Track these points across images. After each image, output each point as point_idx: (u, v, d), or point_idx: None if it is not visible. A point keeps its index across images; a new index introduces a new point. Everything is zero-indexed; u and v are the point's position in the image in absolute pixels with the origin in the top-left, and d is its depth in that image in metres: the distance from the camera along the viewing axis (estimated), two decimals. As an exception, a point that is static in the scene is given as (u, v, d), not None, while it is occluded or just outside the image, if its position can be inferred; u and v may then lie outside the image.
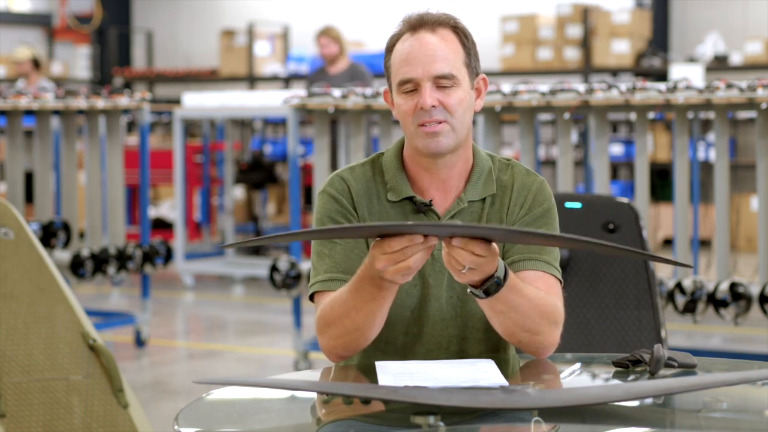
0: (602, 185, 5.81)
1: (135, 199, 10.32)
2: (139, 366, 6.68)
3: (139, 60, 15.44)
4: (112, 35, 14.77)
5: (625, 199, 3.55)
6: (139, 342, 7.00)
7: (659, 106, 5.60)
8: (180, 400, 5.74)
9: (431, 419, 1.97)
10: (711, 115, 5.95)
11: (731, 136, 10.68)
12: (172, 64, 14.90)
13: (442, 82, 2.41)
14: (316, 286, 2.46)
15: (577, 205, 3.47)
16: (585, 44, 11.68)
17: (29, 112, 6.69)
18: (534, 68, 11.79)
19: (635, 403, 2.12)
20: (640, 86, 5.56)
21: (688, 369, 2.29)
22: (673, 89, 5.48)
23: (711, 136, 10.23)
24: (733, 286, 5.38)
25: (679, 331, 7.26)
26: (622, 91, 5.59)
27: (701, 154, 10.16)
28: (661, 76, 10.98)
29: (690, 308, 5.47)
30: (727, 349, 6.81)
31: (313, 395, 2.22)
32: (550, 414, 2.01)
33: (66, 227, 6.61)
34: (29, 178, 7.52)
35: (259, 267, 9.07)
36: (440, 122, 2.41)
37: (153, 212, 11.26)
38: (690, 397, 2.16)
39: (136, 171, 7.63)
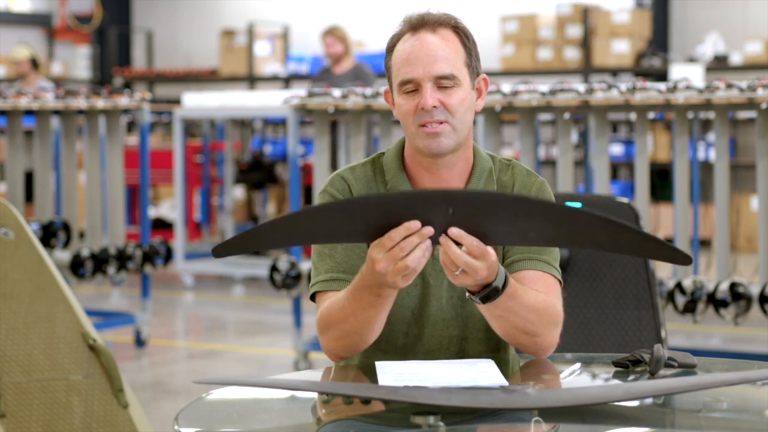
0: (602, 185, 5.80)
1: (135, 199, 10.32)
2: (139, 366, 6.68)
3: (139, 60, 15.44)
4: (112, 35, 14.77)
5: (625, 199, 3.55)
6: (139, 342, 7.00)
7: (659, 106, 5.60)
8: (180, 400, 5.74)
9: (431, 419, 1.97)
10: (711, 115, 5.95)
11: (731, 136, 10.68)
12: (172, 64, 14.90)
13: (443, 82, 2.41)
14: (317, 286, 2.46)
15: (577, 205, 3.47)
16: (585, 44, 11.68)
17: (29, 112, 6.69)
18: (534, 68, 11.79)
19: (635, 403, 2.12)
20: (640, 86, 5.56)
21: (688, 369, 2.29)
22: (673, 89, 5.48)
23: (711, 136, 10.23)
24: (733, 286, 5.38)
25: (679, 331, 7.26)
26: (622, 91, 5.59)
27: (701, 154, 10.16)
28: (661, 76, 10.98)
29: (690, 308, 5.47)
30: (727, 349, 6.81)
31: (313, 395, 2.22)
32: (550, 414, 2.01)
33: (66, 227, 6.61)
34: (29, 177, 7.52)
35: (259, 267, 9.07)
36: (441, 122, 2.41)
37: (153, 212, 11.26)
38: (690, 397, 2.16)
39: (136, 171, 7.63)
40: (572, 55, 11.76)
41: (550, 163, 10.96)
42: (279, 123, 11.96)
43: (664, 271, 6.36)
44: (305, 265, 6.15)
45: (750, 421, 2.10)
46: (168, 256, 7.09)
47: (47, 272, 3.38)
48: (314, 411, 2.17)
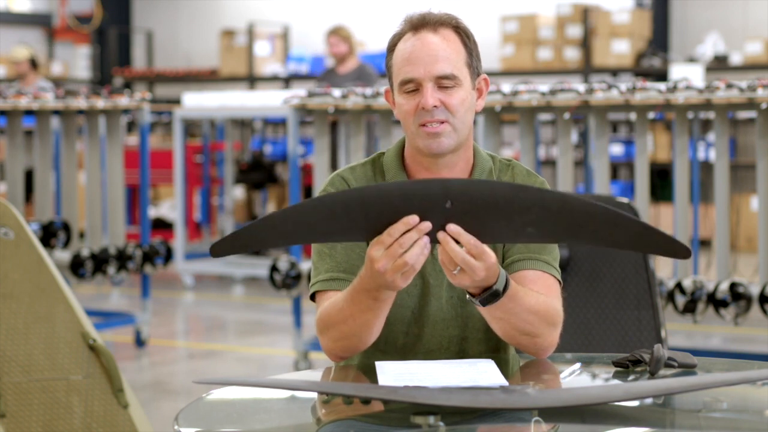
0: (602, 185, 5.80)
1: (135, 199, 10.32)
2: (139, 366, 6.68)
3: (139, 60, 15.44)
4: (112, 35, 14.77)
5: (625, 199, 3.55)
6: (139, 342, 7.00)
7: (659, 106, 5.60)
8: (180, 400, 5.74)
9: (431, 419, 1.97)
10: (711, 115, 5.95)
11: (731, 136, 10.68)
12: (172, 64, 14.90)
13: (444, 82, 2.41)
14: (317, 286, 2.46)
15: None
16: (585, 44, 11.68)
17: (29, 112, 6.69)
18: (534, 68, 11.79)
19: (635, 403, 2.12)
20: (640, 86, 5.56)
21: (688, 369, 2.29)
22: (673, 89, 5.48)
23: (711, 136, 10.23)
24: (733, 286, 5.38)
25: (679, 331, 7.26)
26: (622, 91, 5.59)
27: (701, 154, 10.16)
28: (661, 76, 10.98)
29: (690, 308, 5.47)
30: (727, 349, 6.81)
31: (313, 395, 2.22)
32: (550, 414, 2.01)
33: (66, 227, 6.61)
34: (29, 176, 7.53)
35: (259, 267, 9.06)
36: (441, 122, 2.41)
37: (153, 212, 11.26)
38: (690, 397, 2.16)
39: (136, 171, 7.63)
40: (572, 55, 11.76)
41: (550, 163, 10.96)
42: (279, 123, 11.96)
43: (664, 271, 6.36)
44: (305, 265, 6.15)
45: (750, 421, 2.10)
46: (168, 256, 7.09)
47: (47, 272, 3.38)
48: (314, 411, 2.17)
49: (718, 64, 11.37)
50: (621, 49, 11.54)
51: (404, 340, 2.49)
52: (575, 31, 11.76)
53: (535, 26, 11.81)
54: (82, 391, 3.29)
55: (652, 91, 5.53)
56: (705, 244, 9.74)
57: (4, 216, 3.41)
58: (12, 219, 3.41)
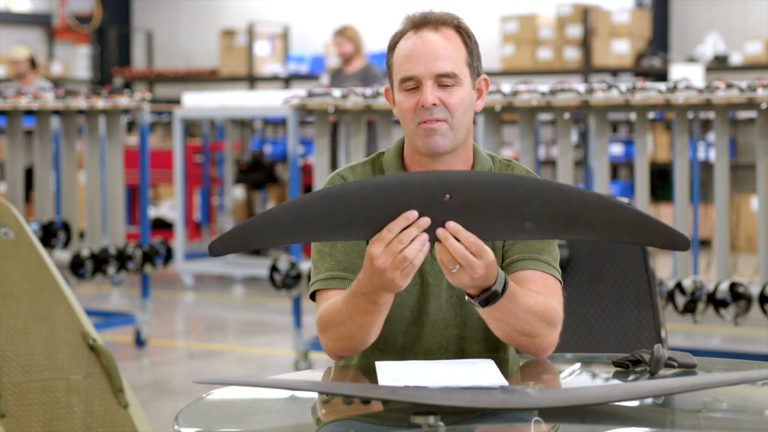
0: (602, 185, 5.81)
1: (135, 199, 10.32)
2: (139, 366, 6.68)
3: (139, 60, 15.44)
4: (112, 35, 14.77)
5: (625, 199, 3.55)
6: (139, 342, 7.00)
7: (659, 106, 5.59)
8: (180, 400, 5.74)
9: (431, 419, 1.97)
10: (711, 115, 5.95)
11: (731, 136, 10.68)
12: (172, 64, 14.90)
13: (444, 80, 2.41)
14: (317, 285, 2.46)
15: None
16: (585, 44, 11.68)
17: (29, 112, 6.69)
18: (534, 68, 11.79)
19: (635, 403, 2.12)
20: (640, 86, 5.56)
21: (688, 369, 2.29)
22: (673, 89, 5.48)
23: (711, 136, 10.23)
24: (733, 286, 5.38)
25: (679, 331, 7.26)
26: (622, 91, 5.59)
27: (701, 154, 10.16)
28: (661, 76, 10.98)
29: (690, 308, 5.47)
30: (727, 349, 6.81)
31: (313, 395, 2.22)
32: (550, 414, 2.01)
33: (66, 227, 6.61)
34: (29, 175, 7.52)
35: (259, 267, 9.06)
36: (439, 121, 2.41)
37: (153, 212, 11.26)
38: (690, 397, 2.16)
39: (136, 171, 7.63)
40: (572, 55, 11.76)
41: (550, 163, 10.96)
42: (279, 123, 11.96)
43: (664, 271, 6.37)
44: (305, 265, 6.15)
45: (750, 421, 2.10)
46: (168, 256, 7.09)
47: (47, 272, 3.38)
48: (314, 411, 2.18)
49: (718, 64, 11.37)
50: (621, 49, 11.54)
51: (403, 340, 2.49)
52: (575, 31, 11.76)
53: (535, 26, 11.81)
54: (82, 391, 3.29)
55: (652, 91, 5.53)
56: (705, 244, 9.74)
57: (4, 216, 3.41)
58: (12, 219, 3.41)
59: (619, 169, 12.03)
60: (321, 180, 6.17)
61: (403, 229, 2.13)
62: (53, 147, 7.01)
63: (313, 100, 6.18)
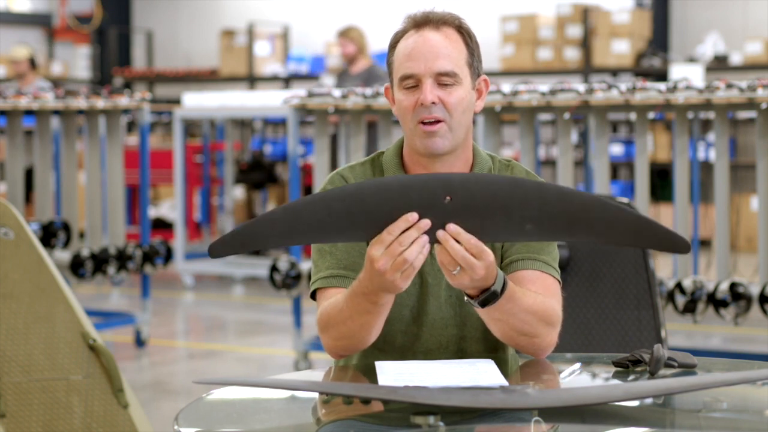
0: (602, 185, 5.80)
1: (135, 199, 10.32)
2: (139, 366, 6.68)
3: (139, 60, 15.44)
4: (112, 35, 14.77)
5: (625, 199, 3.55)
6: (139, 342, 7.00)
7: (659, 106, 5.59)
8: (180, 400, 5.74)
9: (431, 419, 1.97)
10: (711, 115, 5.95)
11: (731, 136, 10.68)
12: (172, 64, 14.90)
13: (444, 79, 2.41)
14: (317, 283, 2.46)
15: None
16: (585, 44, 11.68)
17: (29, 112, 6.69)
18: (534, 68, 11.79)
19: (635, 403, 2.12)
20: (640, 86, 5.56)
21: (688, 369, 2.29)
22: (673, 89, 5.48)
23: (711, 136, 10.23)
24: (733, 286, 5.38)
25: (679, 331, 7.26)
26: (622, 91, 5.59)
27: (701, 154, 10.16)
28: (661, 76, 10.98)
29: (690, 308, 5.47)
30: (727, 349, 6.81)
31: (313, 395, 2.22)
32: (550, 414, 2.01)
33: (66, 227, 6.61)
34: (29, 175, 7.52)
35: (259, 267, 9.06)
36: (438, 122, 2.41)
37: (153, 212, 11.26)
38: (690, 397, 2.16)
39: (136, 171, 7.63)
40: (572, 55, 11.76)
41: (550, 163, 10.96)
42: (279, 123, 11.96)
43: (664, 271, 6.37)
44: (305, 265, 6.15)
45: (750, 421, 2.10)
46: (168, 256, 7.09)
47: (47, 272, 3.38)
48: (314, 411, 2.18)
49: (718, 64, 11.37)
50: (621, 49, 11.54)
51: (403, 340, 2.49)
52: (575, 31, 11.76)
53: (535, 26, 11.81)
54: (82, 391, 3.29)
55: (652, 91, 5.53)
56: (705, 244, 9.74)
57: (4, 216, 3.41)
58: (12, 219, 3.41)
59: (619, 169, 12.03)
60: (321, 180, 6.17)
61: (403, 231, 2.13)
62: (53, 147, 7.00)
63: (313, 100, 6.18)
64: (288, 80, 13.28)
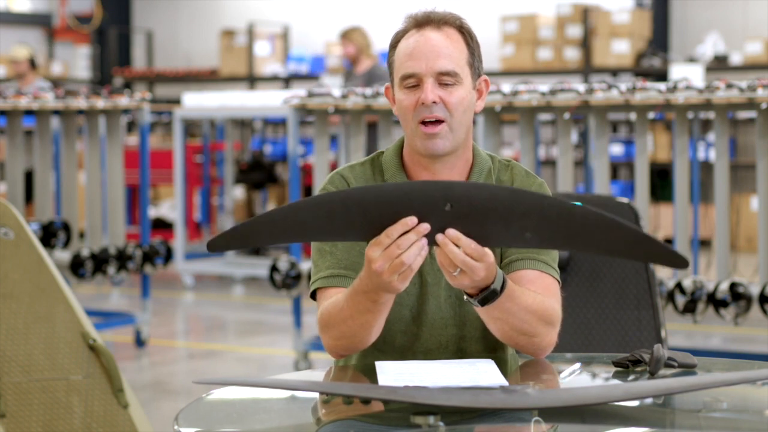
0: (602, 185, 5.80)
1: (135, 199, 10.32)
2: (139, 366, 6.68)
3: (139, 60, 15.44)
4: (112, 35, 14.77)
5: (625, 199, 3.55)
6: (139, 342, 7.00)
7: (659, 106, 5.59)
8: (180, 400, 5.74)
9: (431, 419, 1.97)
10: (711, 115, 5.95)
11: (731, 136, 10.68)
12: (172, 64, 14.90)
13: (445, 79, 2.41)
14: (317, 283, 2.46)
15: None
16: (585, 44, 11.68)
17: (29, 112, 6.69)
18: (534, 68, 11.79)
19: (635, 403, 2.12)
20: (640, 86, 5.56)
21: (688, 369, 2.29)
22: (673, 89, 5.48)
23: (711, 136, 10.23)
24: (733, 286, 5.38)
25: (679, 331, 7.26)
26: (622, 91, 5.59)
27: (701, 154, 10.16)
28: (661, 76, 10.98)
29: (690, 308, 5.47)
30: (727, 349, 6.81)
31: (314, 395, 2.22)
32: (550, 414, 2.01)
33: (66, 227, 6.61)
34: (29, 176, 7.52)
35: (259, 267, 9.06)
36: (439, 122, 2.41)
37: (153, 212, 11.26)
38: (690, 397, 2.16)
39: (136, 171, 7.63)
40: (572, 55, 11.76)
41: (550, 163, 10.96)
42: (279, 123, 11.96)
43: (664, 271, 6.36)
44: (305, 265, 6.15)
45: (750, 421, 2.10)
46: (168, 256, 7.09)
47: (47, 272, 3.38)
48: (314, 411, 2.17)
49: (718, 64, 11.37)
50: (621, 49, 11.54)
51: (402, 340, 2.49)
52: (575, 31, 11.76)
53: (535, 26, 11.81)
54: (82, 391, 3.29)
55: (652, 91, 5.53)
56: (705, 244, 9.74)
57: (4, 216, 3.41)
58: (12, 219, 3.41)
59: (619, 169, 12.03)
60: (321, 180, 6.17)
61: (402, 234, 2.13)
62: (53, 147, 7.00)
63: (313, 100, 6.18)
64: (288, 80, 13.28)
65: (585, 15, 11.67)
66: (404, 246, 2.13)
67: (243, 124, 12.44)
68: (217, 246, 2.17)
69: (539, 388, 2.20)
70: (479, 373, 2.21)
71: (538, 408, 2.01)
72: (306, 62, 13.25)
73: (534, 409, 2.00)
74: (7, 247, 3.36)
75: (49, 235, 6.54)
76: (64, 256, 6.52)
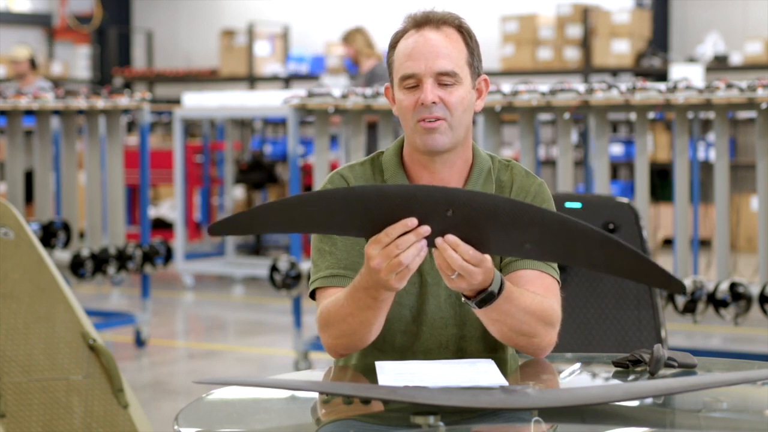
0: (602, 185, 5.80)
1: (135, 199, 10.32)
2: (139, 366, 6.68)
3: (139, 60, 15.44)
4: (112, 35, 14.77)
5: (625, 199, 3.55)
6: (139, 342, 7.00)
7: (659, 106, 5.59)
8: (180, 400, 5.74)
9: (431, 419, 1.97)
10: (711, 115, 5.95)
11: (731, 136, 10.68)
12: (172, 64, 14.90)
13: (444, 79, 2.41)
14: (317, 283, 2.46)
15: (577, 205, 3.47)
16: (585, 44, 11.68)
17: (29, 112, 6.69)
18: (534, 68, 11.79)
19: (635, 403, 2.12)
20: (640, 86, 5.56)
21: (688, 369, 2.29)
22: (673, 89, 5.48)
23: (711, 136, 10.23)
24: (733, 286, 5.38)
25: (679, 331, 7.26)
26: (622, 91, 5.59)
27: (701, 154, 10.16)
28: (661, 76, 10.98)
29: (690, 308, 5.47)
30: (727, 349, 6.81)
31: (313, 395, 2.22)
32: (550, 414, 2.01)
33: (66, 227, 6.61)
34: (29, 177, 7.52)
35: (259, 267, 9.06)
36: (439, 119, 2.41)
37: (153, 212, 11.26)
38: (690, 397, 2.16)
39: (136, 171, 7.63)
40: (572, 55, 11.76)
41: (550, 163, 10.96)
42: (279, 123, 11.96)
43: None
44: (305, 265, 6.15)
45: (750, 421, 2.10)
46: (168, 256, 7.09)
47: (47, 272, 3.38)
48: (314, 411, 2.18)
49: (718, 64, 11.37)
50: (621, 49, 11.54)
51: (402, 339, 2.49)
52: (575, 31, 11.76)
53: (535, 26, 11.81)
54: (82, 391, 3.29)
55: (652, 91, 5.53)
56: (705, 244, 9.74)
57: (4, 216, 3.41)
58: (12, 219, 3.41)
59: (619, 169, 12.03)
60: (321, 180, 6.17)
61: (402, 235, 2.13)
62: (53, 147, 7.00)
63: (313, 100, 6.18)
64: (288, 80, 13.28)
65: (585, 15, 11.67)
66: (403, 246, 2.13)
67: (243, 124, 12.45)
68: (219, 230, 2.18)
69: (539, 388, 2.20)
70: (479, 373, 2.21)
71: (538, 408, 2.01)
72: (306, 62, 13.25)
73: (534, 409, 2.00)
74: (7, 247, 3.36)
75: (49, 235, 6.54)
76: (64, 256, 6.52)
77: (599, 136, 5.85)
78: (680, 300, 5.47)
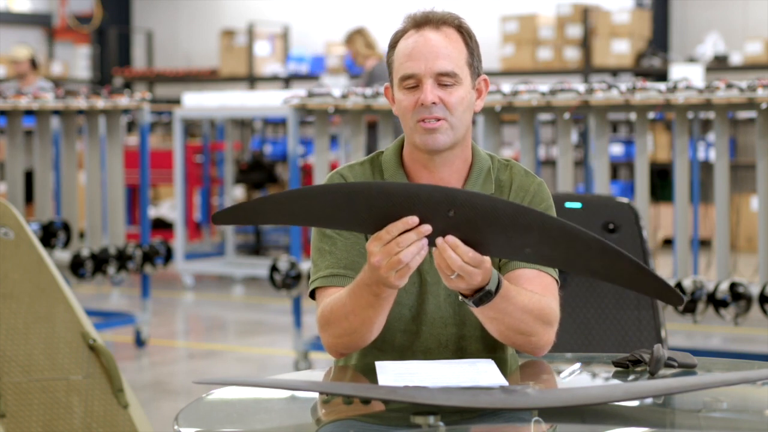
0: (602, 185, 5.80)
1: (135, 199, 10.32)
2: (139, 366, 6.68)
3: (139, 60, 15.44)
4: (112, 35, 14.77)
5: (625, 199, 3.55)
6: (139, 342, 7.00)
7: (659, 106, 5.59)
8: (180, 400, 5.74)
9: (431, 419, 1.97)
10: (711, 115, 5.95)
11: (731, 136, 10.68)
12: (172, 64, 14.90)
13: (444, 79, 2.41)
14: (317, 282, 2.46)
15: (577, 205, 3.47)
16: (585, 44, 11.68)
17: (29, 112, 6.70)
18: (534, 68, 11.79)
19: (635, 403, 2.12)
20: (640, 86, 5.56)
21: (688, 369, 2.29)
22: (673, 89, 5.48)
23: (711, 136, 10.23)
24: (733, 286, 5.38)
25: (679, 331, 7.26)
26: (622, 91, 5.59)
27: (701, 154, 10.16)
28: (661, 76, 10.98)
29: (690, 308, 5.47)
30: (727, 349, 6.81)
31: (313, 395, 2.22)
32: (550, 414, 2.01)
33: (66, 227, 6.61)
34: (29, 177, 7.52)
35: (259, 267, 9.06)
36: (439, 119, 2.41)
37: (153, 212, 11.26)
38: (690, 397, 2.16)
39: (136, 171, 7.63)
40: (572, 55, 11.76)
41: (550, 163, 10.96)
42: (279, 123, 11.96)
43: (664, 271, 6.37)
44: (305, 265, 6.15)
45: (750, 421, 2.10)
46: (168, 256, 7.09)
47: (47, 272, 3.38)
48: (314, 411, 2.18)
49: (718, 64, 11.37)
50: (621, 49, 11.54)
51: (402, 339, 2.49)
52: (575, 31, 11.76)
53: (535, 26, 11.81)
54: (82, 391, 3.29)
55: (652, 91, 5.53)
56: (705, 244, 9.74)
57: (4, 216, 3.41)
58: (12, 219, 3.41)
59: (619, 169, 12.03)
60: (321, 180, 6.17)
61: (403, 233, 2.14)
62: (53, 147, 7.00)
63: (313, 100, 6.18)
64: (288, 80, 13.28)
65: (585, 15, 11.67)
66: (403, 244, 2.14)
67: (243, 124, 12.45)
68: (223, 219, 2.19)
69: (539, 388, 2.20)
70: (479, 373, 2.21)
71: (538, 408, 2.01)
72: (306, 62, 13.25)
73: (534, 409, 2.00)
74: (7, 247, 3.36)
75: (49, 235, 6.54)
76: (64, 256, 6.52)
77: (599, 136, 5.85)
78: (680, 300, 5.47)
